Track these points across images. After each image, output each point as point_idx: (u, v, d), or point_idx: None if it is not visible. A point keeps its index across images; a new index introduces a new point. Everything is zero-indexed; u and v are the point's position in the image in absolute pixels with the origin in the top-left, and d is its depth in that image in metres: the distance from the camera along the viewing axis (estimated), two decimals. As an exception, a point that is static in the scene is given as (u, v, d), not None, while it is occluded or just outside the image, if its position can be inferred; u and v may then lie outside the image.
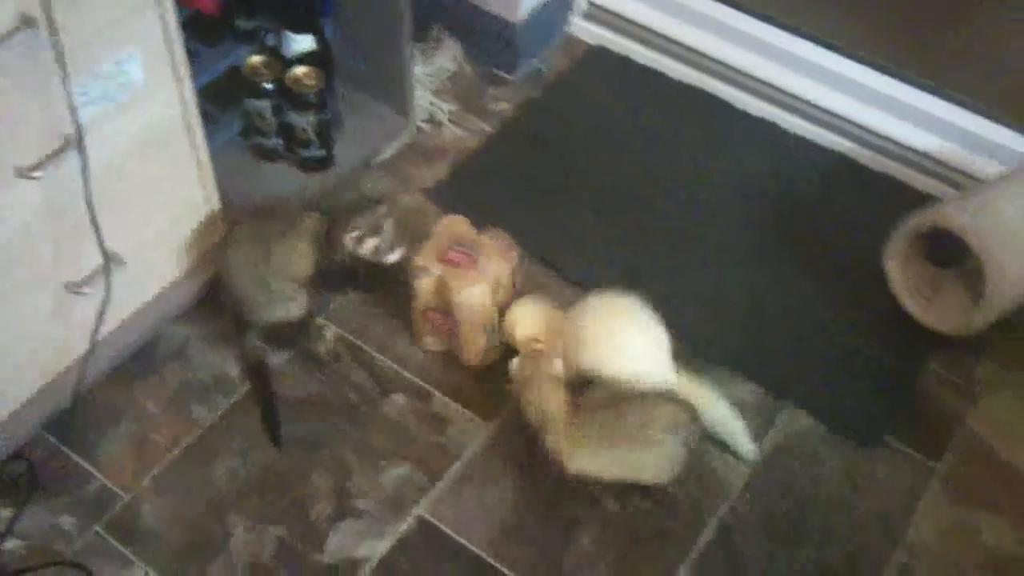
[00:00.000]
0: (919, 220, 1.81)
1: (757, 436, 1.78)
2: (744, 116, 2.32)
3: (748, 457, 1.74)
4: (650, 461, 1.62)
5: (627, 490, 1.67)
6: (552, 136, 2.27)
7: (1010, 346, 1.91)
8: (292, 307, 1.82)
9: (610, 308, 1.71)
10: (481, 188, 2.16)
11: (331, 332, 1.91)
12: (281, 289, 1.79)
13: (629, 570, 1.63)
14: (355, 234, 1.77)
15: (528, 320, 1.79)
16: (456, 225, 1.86)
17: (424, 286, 1.79)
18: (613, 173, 2.20)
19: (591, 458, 1.62)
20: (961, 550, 1.67)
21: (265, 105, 1.98)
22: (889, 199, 2.13)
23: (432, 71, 2.40)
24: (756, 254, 2.05)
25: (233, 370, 1.85)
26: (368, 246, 1.79)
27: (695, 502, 1.71)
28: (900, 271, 1.87)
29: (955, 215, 1.75)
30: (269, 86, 1.96)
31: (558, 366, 1.68)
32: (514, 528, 1.67)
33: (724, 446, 1.75)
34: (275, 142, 2.06)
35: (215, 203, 1.86)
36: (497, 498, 1.71)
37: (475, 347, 1.81)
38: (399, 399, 1.82)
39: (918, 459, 1.77)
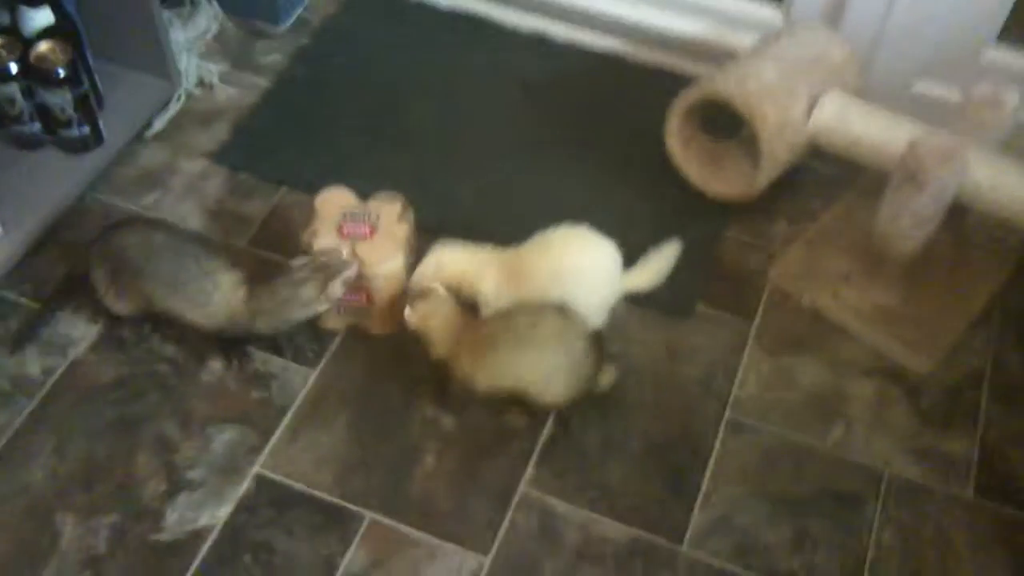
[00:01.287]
0: (690, 94, 1.87)
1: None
2: (514, 33, 2.34)
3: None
4: (535, 364, 1.60)
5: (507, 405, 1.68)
6: (327, 79, 2.23)
7: (793, 204, 2.01)
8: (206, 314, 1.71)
9: (572, 240, 1.72)
10: (265, 142, 2.11)
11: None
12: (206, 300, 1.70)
13: (479, 478, 1.64)
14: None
15: (452, 266, 1.73)
16: (337, 197, 1.77)
17: None
18: (392, 105, 2.19)
19: (483, 369, 1.61)
20: (782, 394, 1.75)
21: (13, 89, 1.86)
22: (662, 88, 2.17)
23: (194, 34, 2.31)
24: (544, 155, 2.09)
25: (34, 367, 1.74)
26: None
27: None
28: (682, 148, 1.94)
29: (720, 85, 1.82)
30: (13, 67, 1.83)
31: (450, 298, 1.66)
32: (356, 464, 1.65)
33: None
34: (34, 127, 1.93)
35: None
36: (333, 440, 1.68)
37: (392, 316, 1.74)
38: (216, 364, 1.76)
39: (732, 320, 1.84)
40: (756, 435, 1.70)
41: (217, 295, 1.68)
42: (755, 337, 1.82)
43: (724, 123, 1.98)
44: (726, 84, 1.81)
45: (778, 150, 1.82)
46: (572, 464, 1.66)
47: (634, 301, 1.82)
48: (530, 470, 1.65)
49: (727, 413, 1.73)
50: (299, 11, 2.37)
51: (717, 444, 1.69)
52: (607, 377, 1.67)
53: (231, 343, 1.76)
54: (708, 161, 1.96)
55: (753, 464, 1.67)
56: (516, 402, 1.66)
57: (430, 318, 1.64)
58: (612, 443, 1.68)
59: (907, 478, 1.66)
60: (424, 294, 1.65)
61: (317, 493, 1.62)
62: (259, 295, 1.69)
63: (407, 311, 1.65)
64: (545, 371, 1.61)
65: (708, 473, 1.65)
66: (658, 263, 1.78)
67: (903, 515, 1.62)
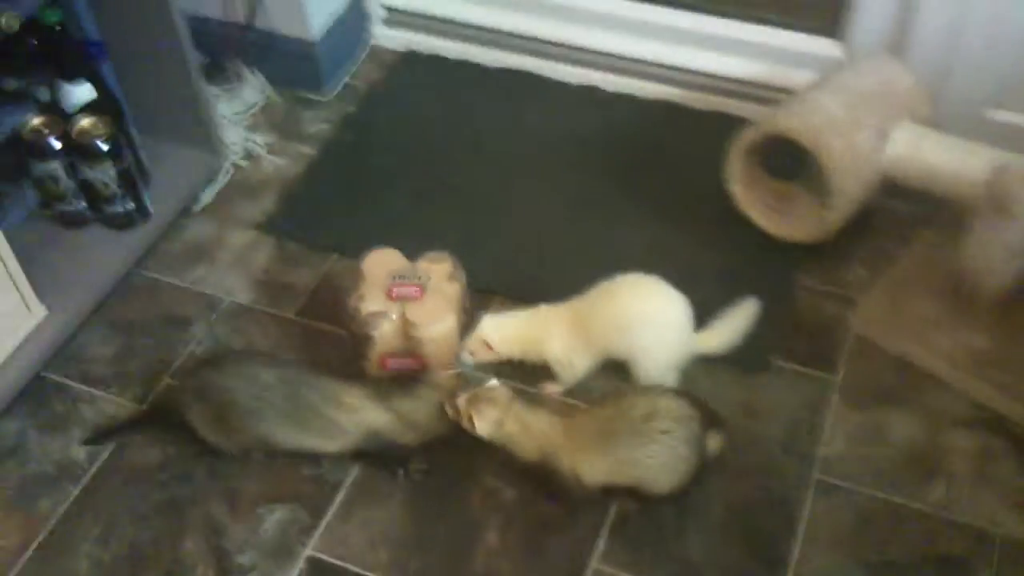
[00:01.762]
0: (751, 133, 1.77)
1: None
2: (564, 86, 2.28)
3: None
4: (655, 458, 1.47)
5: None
6: (375, 144, 2.18)
7: (868, 246, 1.89)
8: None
9: (641, 286, 1.65)
10: (313, 210, 2.06)
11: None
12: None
13: (547, 554, 1.52)
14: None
15: (510, 332, 1.66)
16: (385, 259, 1.70)
17: (385, 333, 1.63)
18: (443, 166, 2.12)
19: (595, 466, 1.49)
20: (873, 452, 1.61)
21: (56, 166, 1.83)
22: (719, 132, 2.08)
23: (240, 107, 2.29)
24: (600, 209, 2.00)
25: (79, 451, 1.68)
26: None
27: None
28: (745, 191, 1.83)
29: (783, 120, 1.72)
30: (56, 144, 1.80)
31: (506, 393, 1.54)
32: (413, 544, 1.54)
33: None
34: (79, 205, 1.90)
35: (25, 287, 1.71)
36: (389, 518, 1.57)
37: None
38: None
39: (811, 374, 1.71)
40: (848, 496, 1.56)
41: (347, 418, 1.57)
42: (839, 391, 1.69)
43: (787, 165, 1.88)
44: (789, 119, 1.71)
45: (848, 185, 1.70)
46: (648, 536, 1.53)
47: (705, 357, 1.70)
48: (602, 544, 1.53)
49: (814, 473, 1.59)
50: (344, 79, 2.33)
51: (806, 508, 1.55)
52: (715, 443, 1.53)
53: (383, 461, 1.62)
54: (774, 204, 1.85)
55: (847, 528, 1.52)
56: (628, 492, 1.54)
57: (504, 424, 1.51)
58: (690, 511, 1.55)
59: (1020, 539, 1.50)
60: (484, 397, 1.52)
61: (372, 574, 1.50)
62: (399, 404, 1.57)
63: (475, 421, 1.51)
64: (666, 463, 1.48)
65: (798, 540, 1.51)
66: (734, 322, 1.67)
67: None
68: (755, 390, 1.70)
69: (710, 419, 1.51)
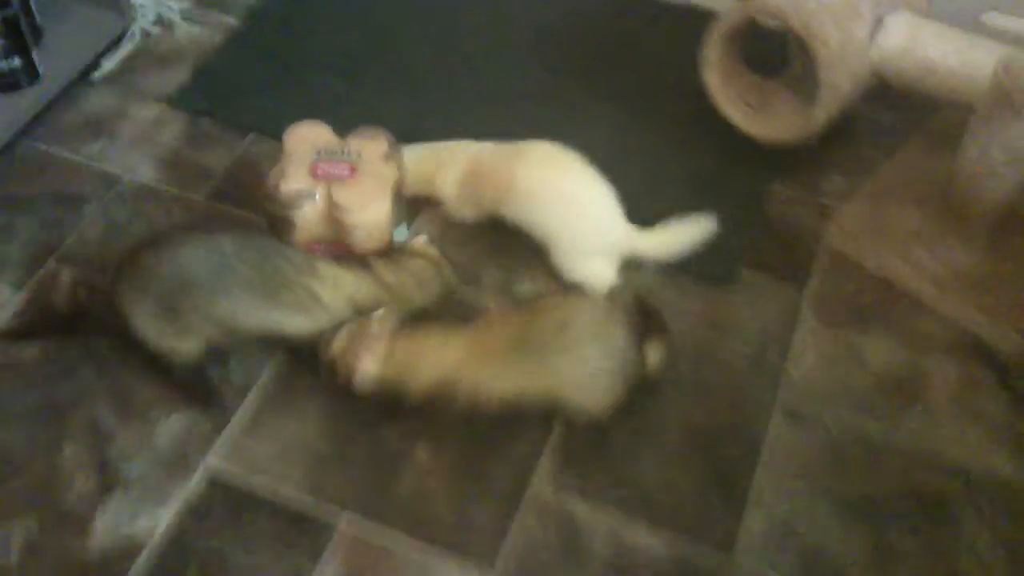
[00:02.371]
0: (733, 14, 1.57)
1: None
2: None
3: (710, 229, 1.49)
4: (570, 372, 1.28)
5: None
6: (305, 16, 1.96)
7: (847, 154, 1.72)
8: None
9: (554, 156, 1.49)
10: (232, 85, 1.83)
11: (65, 275, 1.53)
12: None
13: (484, 475, 1.34)
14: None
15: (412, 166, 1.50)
16: (310, 133, 1.47)
17: (307, 216, 1.41)
18: (385, 47, 1.90)
19: (497, 380, 1.29)
20: (846, 374, 1.45)
21: (-74, 9, 1.56)
22: (688, 26, 1.88)
23: (154, -33, 2.01)
24: (559, 104, 1.80)
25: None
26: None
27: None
28: (721, 82, 1.64)
29: (773, 0, 1.52)
30: (-75, -19, 1.53)
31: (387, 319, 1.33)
32: (331, 458, 1.35)
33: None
34: (-46, 60, 1.63)
35: None
36: (304, 429, 1.38)
37: None
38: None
39: (783, 287, 1.55)
40: (817, 423, 1.40)
41: (327, 291, 1.34)
42: (811, 307, 1.52)
43: (767, 59, 1.69)
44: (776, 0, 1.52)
45: (839, 79, 1.52)
46: (596, 458, 1.36)
47: (669, 265, 1.52)
48: (544, 465, 1.35)
49: (781, 396, 1.43)
50: (274, -57, 2.07)
51: (770, 433, 1.39)
52: (655, 354, 1.36)
53: None
54: (752, 100, 1.67)
55: (815, 458, 1.37)
56: (547, 413, 1.36)
57: (394, 355, 1.30)
58: (645, 432, 1.38)
59: (1004, 478, 1.36)
60: (363, 333, 1.31)
61: (282, 493, 1.31)
62: (386, 275, 1.37)
63: (360, 363, 1.30)
64: (583, 378, 1.29)
65: (761, 468, 1.35)
66: (682, 232, 1.49)
67: (1001, 521, 1.32)
68: (721, 303, 1.53)
69: (650, 327, 1.34)
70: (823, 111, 1.54)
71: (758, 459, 1.36)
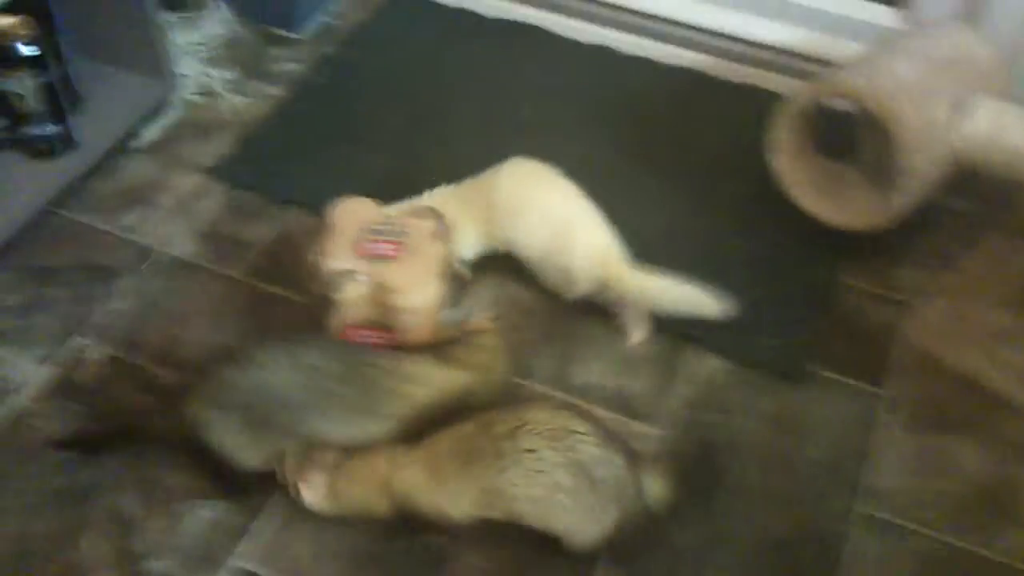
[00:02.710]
0: (805, 94, 1.50)
1: (659, 390, 1.41)
2: (573, 45, 2.00)
3: (721, 310, 1.38)
4: (523, 487, 1.14)
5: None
6: (352, 90, 1.89)
7: (923, 244, 1.62)
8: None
9: (528, 172, 1.47)
10: (274, 157, 1.76)
11: (94, 351, 1.44)
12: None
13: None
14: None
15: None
16: (359, 208, 1.39)
17: (352, 297, 1.32)
18: (430, 121, 1.82)
19: (456, 498, 1.18)
20: (933, 485, 1.33)
21: (-33, 73, 1.50)
22: (747, 107, 1.83)
23: (200, 38, 1.98)
24: (612, 182, 1.69)
25: (-33, 422, 1.36)
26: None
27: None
28: (789, 165, 1.55)
29: (848, 80, 1.45)
30: (-33, 45, 1.48)
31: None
32: (367, 559, 1.24)
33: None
34: (-8, 123, 1.58)
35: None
36: (341, 527, 1.26)
37: None
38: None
39: (857, 387, 1.44)
40: (902, 537, 1.28)
41: (420, 390, 1.26)
42: (890, 410, 1.41)
43: (837, 143, 1.62)
44: (854, 80, 1.44)
45: (920, 165, 1.43)
46: (662, 567, 1.24)
47: (736, 360, 1.43)
48: (602, 569, 1.23)
49: (861, 505, 1.31)
50: (321, 18, 2.03)
51: (850, 547, 1.27)
52: (658, 488, 1.21)
53: None
54: (823, 185, 1.57)
55: (902, 573, 1.24)
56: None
57: (336, 486, 1.21)
58: (714, 540, 1.27)
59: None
60: (309, 461, 1.22)
61: (318, 597, 1.20)
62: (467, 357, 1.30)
63: (302, 491, 1.22)
64: (542, 495, 1.15)
65: (841, 585, 1.23)
66: (686, 289, 1.38)
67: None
68: (790, 402, 1.42)
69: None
70: (902, 198, 1.45)
71: (838, 572, 1.24)
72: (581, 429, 1.15)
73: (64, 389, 1.40)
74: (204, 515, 1.27)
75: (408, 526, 1.20)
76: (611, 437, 1.17)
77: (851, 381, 1.45)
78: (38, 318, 1.48)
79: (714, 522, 1.28)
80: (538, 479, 1.13)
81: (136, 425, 1.30)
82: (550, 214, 1.44)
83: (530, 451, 1.13)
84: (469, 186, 1.51)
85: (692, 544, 1.26)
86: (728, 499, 1.30)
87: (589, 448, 1.14)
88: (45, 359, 1.43)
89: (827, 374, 1.45)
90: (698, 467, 1.28)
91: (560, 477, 1.13)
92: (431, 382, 1.26)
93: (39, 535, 1.25)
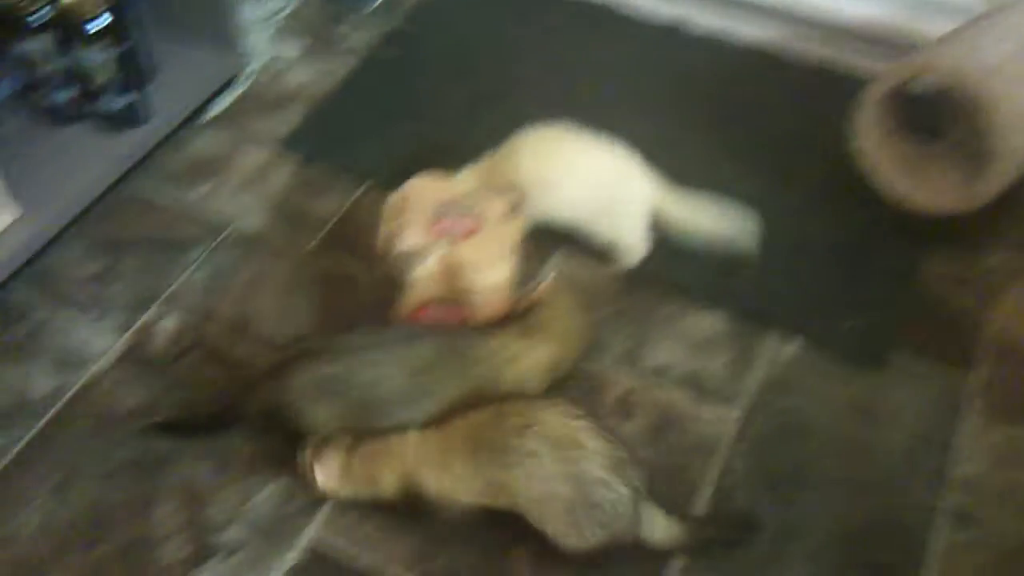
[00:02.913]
0: (892, 75, 1.45)
1: (735, 373, 1.39)
2: (643, 23, 1.96)
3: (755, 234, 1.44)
4: (525, 486, 1.13)
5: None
6: (420, 64, 1.87)
7: (1014, 227, 1.57)
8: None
9: (545, 141, 1.45)
10: (345, 129, 1.75)
11: (168, 321, 1.44)
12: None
13: (607, 570, 1.20)
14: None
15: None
16: (434, 185, 1.37)
17: (424, 275, 1.31)
18: (496, 97, 1.80)
19: (461, 484, 1.16)
20: (1022, 476, 1.29)
21: (43, 43, 1.51)
22: (824, 88, 1.79)
23: (268, 11, 1.97)
24: (685, 164, 1.66)
25: (42, 384, 1.36)
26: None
27: (679, 468, 1.29)
28: (874, 147, 1.50)
29: (937, 61, 1.40)
30: (43, 14, 1.48)
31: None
32: (440, 535, 1.22)
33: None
34: (67, 95, 1.58)
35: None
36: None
37: None
38: (268, 394, 1.36)
39: (940, 374, 1.40)
40: (991, 531, 1.24)
41: (522, 368, 1.26)
42: (977, 398, 1.37)
43: (922, 125, 1.57)
44: (944, 59, 1.39)
45: (1013, 147, 1.38)
46: (737, 555, 1.21)
47: (815, 344, 1.39)
48: (677, 560, 1.21)
49: (947, 497, 1.27)
50: (389, -9, 2.01)
51: (936, 541, 1.23)
52: (661, 530, 1.17)
53: None
54: (909, 167, 1.53)
55: (990, 568, 1.21)
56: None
57: (352, 468, 1.20)
58: (790, 529, 1.24)
59: None
60: (325, 443, 1.21)
61: (390, 573, 1.19)
62: (554, 326, 1.29)
63: (317, 474, 1.21)
64: (541, 498, 1.13)
65: (926, 577, 1.20)
66: (717, 212, 1.45)
67: None
68: (871, 389, 1.38)
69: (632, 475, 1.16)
70: (994, 181, 1.41)
71: (922, 566, 1.21)
72: (591, 446, 1.13)
73: (137, 360, 1.40)
74: (277, 489, 1.26)
75: (414, 509, 1.19)
76: (623, 465, 1.14)
77: (934, 368, 1.41)
78: (112, 289, 1.49)
79: (790, 510, 1.25)
80: (536, 483, 1.12)
81: (230, 411, 1.29)
82: (584, 177, 1.43)
83: (532, 454, 1.12)
84: (488, 166, 1.47)
85: (769, 532, 1.23)
86: (801, 488, 1.27)
87: (593, 468, 1.12)
88: (119, 330, 1.44)
89: (909, 360, 1.41)
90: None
91: (556, 487, 1.12)
92: (526, 356, 1.25)
93: (113, 503, 1.26)
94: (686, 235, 1.47)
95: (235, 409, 1.28)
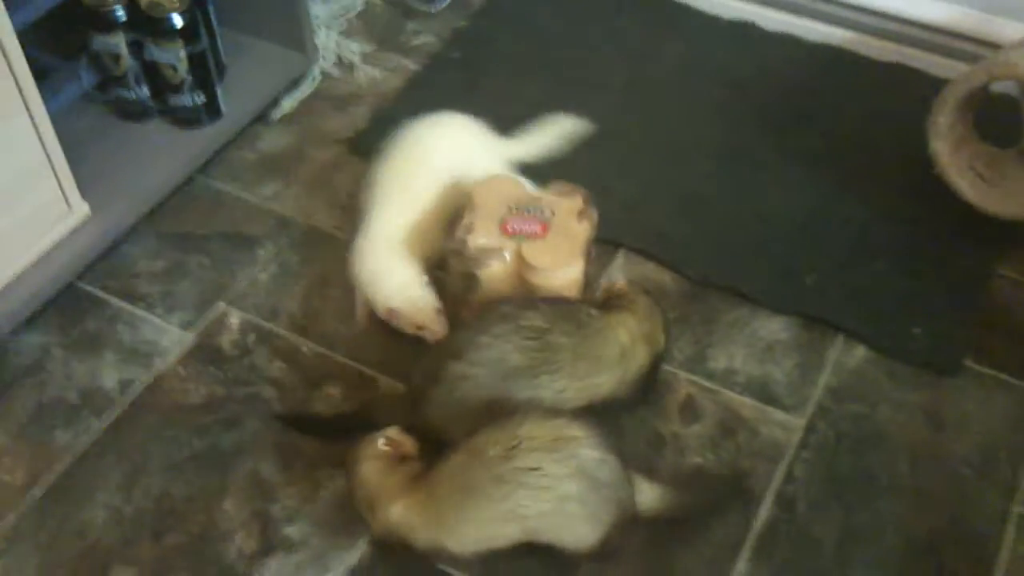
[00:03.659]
0: (971, 77, 1.42)
1: (803, 379, 1.37)
2: (713, 20, 1.94)
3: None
4: (534, 508, 1.10)
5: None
6: (486, 64, 1.87)
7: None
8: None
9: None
10: (410, 130, 1.74)
11: (235, 318, 1.47)
12: None
13: (676, 573, 1.19)
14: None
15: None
16: (503, 185, 1.38)
17: (495, 274, 1.31)
18: (566, 95, 1.78)
19: (459, 537, 1.14)
20: (1098, 491, 1.26)
21: (118, 41, 1.54)
22: (897, 87, 1.76)
23: (337, 10, 1.99)
24: (753, 163, 1.66)
25: (110, 378, 1.39)
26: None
27: (743, 473, 1.28)
28: (951, 150, 1.47)
29: (1018, 64, 1.36)
30: (121, 14, 1.51)
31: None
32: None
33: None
34: (141, 92, 1.61)
35: (68, 180, 1.43)
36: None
37: None
38: (334, 391, 1.38)
39: (1012, 383, 1.37)
40: (1062, 544, 1.21)
41: (627, 336, 1.27)
42: (1049, 408, 1.34)
43: (995, 129, 1.53)
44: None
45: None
46: (801, 562, 1.20)
47: (885, 351, 1.37)
48: (741, 565, 1.20)
49: (1016, 509, 1.24)
50: (457, -10, 2.02)
51: (1006, 549, 1.21)
52: (651, 495, 1.17)
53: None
54: (984, 171, 1.49)
55: (1063, 585, 1.18)
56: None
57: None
58: (856, 536, 1.22)
59: None
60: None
61: (454, 572, 1.20)
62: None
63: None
64: (554, 511, 1.11)
65: (995, 589, 1.18)
66: (546, 131, 1.53)
67: None
68: (942, 397, 1.36)
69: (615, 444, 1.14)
70: (1074, 187, 1.37)
71: (991, 577, 1.19)
72: (578, 433, 1.11)
73: (206, 355, 1.42)
74: (340, 488, 1.28)
75: (395, 553, 1.18)
76: (606, 436, 1.13)
77: (1006, 376, 1.38)
78: (181, 284, 1.52)
79: (854, 517, 1.23)
80: (545, 494, 1.10)
81: (362, 417, 1.29)
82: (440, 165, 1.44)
83: (533, 469, 1.09)
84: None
85: (830, 537, 1.22)
86: (869, 493, 1.25)
87: (589, 452, 1.11)
88: (188, 325, 1.46)
89: (980, 368, 1.39)
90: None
91: (567, 488, 1.10)
92: (628, 325, 1.26)
93: (180, 495, 1.28)
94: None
95: (363, 415, 1.29)
